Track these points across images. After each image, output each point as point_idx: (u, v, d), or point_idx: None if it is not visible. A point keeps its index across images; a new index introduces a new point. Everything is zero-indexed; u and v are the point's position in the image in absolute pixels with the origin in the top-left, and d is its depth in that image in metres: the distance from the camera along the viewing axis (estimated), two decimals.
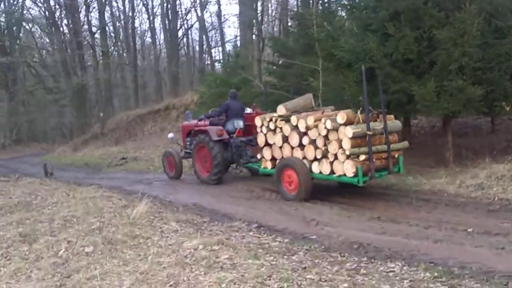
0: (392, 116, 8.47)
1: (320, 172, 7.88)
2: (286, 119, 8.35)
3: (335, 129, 7.55)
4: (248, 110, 11.06)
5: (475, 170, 8.36)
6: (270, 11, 30.51)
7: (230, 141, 10.18)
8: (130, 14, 34.96)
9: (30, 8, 37.29)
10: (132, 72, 32.67)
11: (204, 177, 10.38)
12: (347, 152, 7.38)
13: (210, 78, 19.49)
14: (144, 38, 40.82)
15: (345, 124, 7.49)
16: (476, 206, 6.86)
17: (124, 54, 35.16)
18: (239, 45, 27.60)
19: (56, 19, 32.88)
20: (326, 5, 15.41)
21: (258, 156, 9.15)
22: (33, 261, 5.03)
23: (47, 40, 38.25)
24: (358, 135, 7.42)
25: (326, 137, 7.70)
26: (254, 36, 27.14)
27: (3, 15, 34.26)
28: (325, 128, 7.62)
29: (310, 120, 7.86)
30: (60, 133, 37.60)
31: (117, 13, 35.38)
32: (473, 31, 7.92)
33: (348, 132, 7.35)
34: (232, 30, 66.52)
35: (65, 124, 35.95)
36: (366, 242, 5.31)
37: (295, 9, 23.30)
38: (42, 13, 34.87)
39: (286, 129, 8.29)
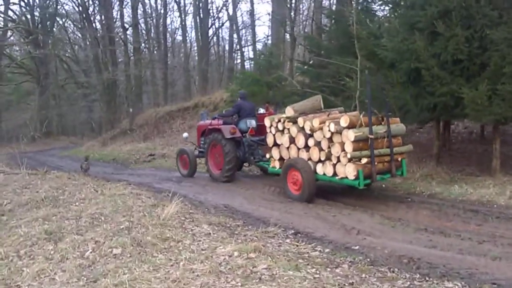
0: (397, 119, 8.44)
1: (324, 174, 7.99)
2: (294, 121, 8.49)
3: (339, 132, 7.63)
4: (261, 110, 11.16)
5: None
6: (303, 10, 30.00)
7: (243, 140, 10.40)
8: (162, 11, 35.00)
9: (64, 3, 37.72)
10: (162, 69, 32.58)
11: (216, 174, 10.56)
12: (349, 155, 7.48)
13: (241, 76, 19.15)
14: (175, 36, 40.89)
15: (348, 127, 7.52)
16: None
17: (155, 52, 35.15)
18: (270, 44, 27.21)
19: (90, 14, 33.04)
20: (365, 3, 14.81)
21: (267, 155, 9.32)
22: (58, 262, 4.75)
23: (80, 35, 38.64)
24: (360, 139, 7.47)
25: (330, 140, 7.80)
26: (286, 35, 26.75)
27: (38, 9, 34.68)
28: (329, 130, 7.73)
29: (316, 122, 7.99)
30: (89, 128, 37.96)
31: (149, 10, 35.43)
32: None
33: (350, 135, 7.43)
34: (263, 28, 66.14)
35: (94, 119, 36.23)
36: (416, 257, 4.85)
37: (330, 7, 22.76)
38: (76, 8, 35.19)
39: (293, 130, 8.45)
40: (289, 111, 8.64)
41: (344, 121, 7.56)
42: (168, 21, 37.47)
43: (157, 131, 24.96)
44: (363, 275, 4.34)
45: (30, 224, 6.07)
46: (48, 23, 35.76)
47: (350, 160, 7.50)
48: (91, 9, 33.80)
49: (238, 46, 36.24)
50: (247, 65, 34.48)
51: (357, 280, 4.18)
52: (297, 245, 5.35)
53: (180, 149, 12.57)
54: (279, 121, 8.78)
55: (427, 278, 4.26)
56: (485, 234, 5.77)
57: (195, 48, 38.77)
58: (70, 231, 5.69)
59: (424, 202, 7.59)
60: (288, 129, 8.58)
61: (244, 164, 11.05)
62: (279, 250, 5.11)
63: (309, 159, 8.20)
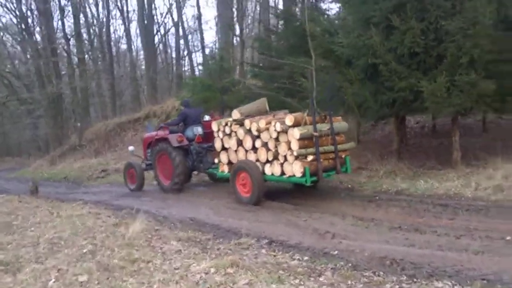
0: (339, 118, 8.75)
1: (272, 174, 8.13)
2: (240, 123, 8.63)
3: (285, 131, 7.82)
4: (207, 118, 11.19)
5: (488, 171, 7.90)
6: (249, 12, 29.90)
7: (190, 148, 10.37)
8: (105, 19, 33.99)
9: (0, 15, 35.97)
10: (109, 80, 31.60)
11: (166, 185, 10.47)
12: (295, 153, 7.66)
13: (192, 82, 18.81)
14: (119, 44, 39.86)
15: (293, 126, 7.73)
16: (500, 211, 6.36)
17: (99, 62, 34.09)
18: (219, 48, 26.96)
19: (29, 25, 31.57)
20: (314, 0, 14.82)
21: (216, 160, 9.38)
22: None
23: (19, 49, 36.93)
24: (305, 137, 7.70)
25: (276, 139, 7.97)
26: (235, 39, 26.56)
27: None
28: (275, 130, 7.92)
29: (262, 123, 8.15)
30: (36, 146, 36.28)
31: (92, 19, 34.32)
32: (485, 21, 7.43)
33: (295, 133, 7.63)
34: (211, 33, 65.55)
35: (40, 136, 34.61)
36: (398, 257, 4.73)
37: (276, 8, 22.73)
38: (14, 19, 33.60)
39: (240, 132, 8.60)
40: (236, 114, 8.79)
41: (289, 120, 7.78)
42: (111, 29, 36.46)
43: (108, 145, 24.12)
44: (349, 282, 4.17)
45: None
46: None
47: (296, 158, 7.68)
48: (30, 20, 32.33)
49: (186, 52, 35.79)
50: (196, 71, 34.04)
51: None
52: (274, 255, 5.12)
53: (126, 163, 12.31)
54: (226, 124, 8.90)
55: (414, 280, 4.13)
56: (460, 228, 5.76)
57: (141, 56, 38.04)
58: (28, 260, 5.21)
59: (392, 200, 7.57)
60: (235, 132, 8.71)
61: (194, 172, 10.98)
62: (257, 262, 4.86)
63: (257, 160, 8.32)
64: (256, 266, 4.67)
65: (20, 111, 36.57)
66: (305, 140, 7.73)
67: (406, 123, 13.13)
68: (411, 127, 13.58)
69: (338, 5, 12.89)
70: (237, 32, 24.58)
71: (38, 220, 7.47)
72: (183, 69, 37.48)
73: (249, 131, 8.43)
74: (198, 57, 39.22)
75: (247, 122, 8.42)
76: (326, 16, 13.78)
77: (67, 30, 31.94)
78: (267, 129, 8.09)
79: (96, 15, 34.51)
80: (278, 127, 7.84)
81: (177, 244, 5.69)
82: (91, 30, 33.54)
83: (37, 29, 32.31)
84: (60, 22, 31.79)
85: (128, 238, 5.74)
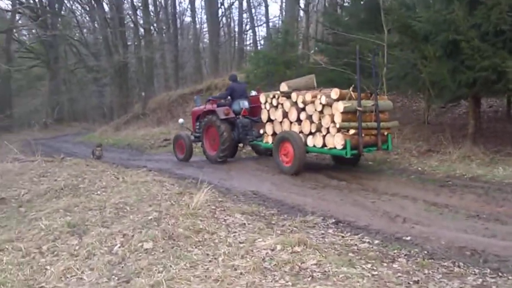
0: (385, 96, 9.13)
1: (314, 146, 8.44)
2: (287, 96, 8.96)
3: (329, 105, 8.09)
4: (253, 93, 11.43)
5: None
6: None
7: (237, 121, 10.68)
8: None
9: None
10: (173, 51, 31.94)
11: (212, 155, 10.83)
12: (338, 126, 7.93)
13: (258, 56, 18.55)
14: (183, 17, 40.16)
15: (338, 99, 8.00)
16: None
17: (164, 34, 34.50)
18: (282, 22, 26.50)
19: None
20: None
21: (261, 131, 9.78)
22: (84, 259, 4.30)
23: (88, 18, 38.04)
24: (348, 110, 7.95)
25: (321, 112, 8.25)
26: (300, 13, 26.01)
27: None
28: (320, 103, 8.19)
29: (308, 96, 8.44)
30: (101, 113, 37.52)
31: None
32: None
33: (339, 106, 7.88)
34: (275, 7, 64.61)
35: (105, 103, 35.72)
36: (480, 248, 4.36)
37: None
38: None
39: (287, 105, 8.92)
40: (284, 87, 9.15)
41: (334, 93, 8.07)
42: (177, 1, 36.73)
43: (170, 115, 24.51)
44: (426, 271, 3.87)
45: (51, 216, 5.63)
46: (56, 5, 35.14)
47: (338, 130, 7.96)
48: None
49: (249, 26, 35.55)
50: (259, 45, 33.77)
51: (422, 278, 3.71)
52: (342, 236, 4.88)
53: (176, 135, 12.70)
54: (274, 97, 9.24)
55: (499, 274, 3.78)
56: None
57: (205, 29, 38.17)
58: (94, 223, 5.26)
59: (467, 186, 7.07)
60: (282, 104, 9.04)
61: (239, 145, 11.29)
62: (325, 242, 4.65)
63: (301, 132, 8.63)
64: (324, 246, 4.46)
65: (87, 78, 37.84)
66: (348, 114, 7.98)
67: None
68: (484, 111, 12.75)
69: None
70: (303, 6, 24.07)
71: (104, 184, 7.59)
72: (244, 43, 37.34)
73: (295, 104, 8.75)
74: (260, 31, 38.86)
75: (293, 95, 8.75)
76: None
77: (135, 1, 32.48)
78: (313, 102, 8.37)
79: None
80: (324, 100, 8.12)
81: (241, 217, 5.57)
82: (157, 2, 33.91)
83: None
84: None
85: (193, 208, 5.66)
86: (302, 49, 20.87)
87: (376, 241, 4.73)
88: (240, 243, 4.59)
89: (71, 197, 6.68)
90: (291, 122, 8.88)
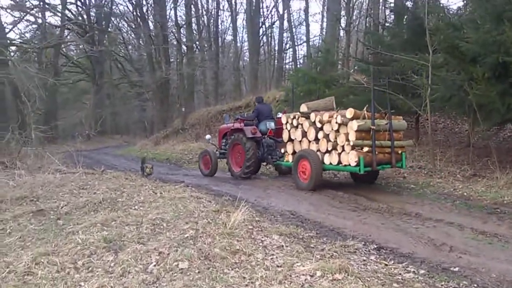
0: (400, 117, 9.63)
1: (330, 163, 8.98)
2: (307, 116, 9.59)
3: (345, 124, 8.66)
4: (280, 115, 11.68)
5: None
6: (357, 5, 28.98)
7: (262, 140, 11.19)
8: (214, 10, 34.88)
9: (118, 3, 38.26)
10: (214, 68, 32.37)
11: (236, 172, 11.37)
12: (352, 143, 8.46)
13: (298, 74, 18.48)
14: (225, 35, 40.74)
15: (353, 118, 8.53)
16: None
17: (205, 51, 35.03)
18: (323, 41, 26.42)
19: (144, 13, 33.24)
20: None
21: (282, 150, 10.42)
22: (119, 276, 4.21)
23: (133, 35, 39.09)
24: (362, 129, 8.47)
25: (337, 131, 8.82)
26: (340, 32, 25.86)
27: (93, 9, 35.26)
28: (336, 122, 8.77)
29: (325, 116, 9.05)
30: (142, 127, 38.27)
31: (201, 9, 35.37)
32: None
33: (353, 125, 8.42)
34: (315, 27, 65.02)
35: (146, 118, 36.46)
36: None
37: (389, 1, 21.63)
38: (130, 7, 35.59)
39: (306, 125, 9.59)
40: (303, 108, 9.78)
41: (349, 113, 8.62)
42: (219, 20, 37.34)
43: (209, 131, 24.63)
44: None
45: (88, 230, 5.62)
46: (103, 22, 36.31)
47: (353, 148, 8.49)
48: (144, 8, 34.04)
49: (289, 45, 35.67)
50: (299, 63, 33.75)
51: None
52: (386, 264, 4.64)
53: (203, 150, 13.58)
54: (294, 117, 9.92)
55: None
56: None
57: (245, 47, 38.56)
58: (131, 240, 5.20)
59: None
60: (301, 124, 9.71)
61: (262, 163, 11.76)
62: (367, 270, 4.43)
63: (318, 150, 9.22)
64: (367, 274, 4.24)
65: (130, 93, 38.79)
66: (362, 133, 8.52)
67: None
68: None
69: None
70: (344, 25, 23.92)
71: (142, 199, 7.58)
72: (284, 61, 37.45)
73: (313, 124, 9.35)
74: (300, 50, 38.88)
75: (312, 115, 9.36)
76: (446, 10, 12.73)
77: (179, 19, 33.20)
78: (329, 121, 8.96)
79: (205, 6, 35.50)
80: (339, 119, 8.69)
81: (278, 239, 5.41)
82: (201, 20, 34.54)
83: (150, 17, 33.94)
84: (172, 11, 33.10)
85: (230, 227, 5.55)
86: (342, 68, 20.69)
87: (422, 271, 4.47)
88: (278, 266, 4.43)
89: (109, 211, 6.68)
90: (309, 141, 9.46)
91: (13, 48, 24.55)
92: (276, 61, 37.02)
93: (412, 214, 6.93)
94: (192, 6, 32.31)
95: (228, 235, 5.29)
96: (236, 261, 4.57)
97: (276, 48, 37.67)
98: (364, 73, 16.11)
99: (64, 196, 7.83)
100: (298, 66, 32.06)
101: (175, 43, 33.29)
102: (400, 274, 4.38)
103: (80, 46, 36.44)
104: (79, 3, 36.77)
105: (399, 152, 9.02)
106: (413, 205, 7.56)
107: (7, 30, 24.97)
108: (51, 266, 4.51)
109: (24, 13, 25.35)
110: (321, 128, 9.15)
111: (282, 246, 5.15)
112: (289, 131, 10.04)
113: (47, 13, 30.04)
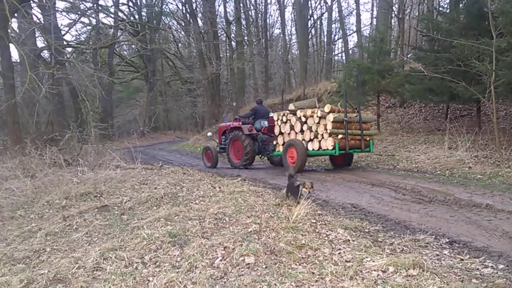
0: (368, 112, 12.73)
1: (313, 149, 11.12)
2: (294, 113, 11.74)
3: (324, 117, 10.90)
4: (271, 114, 13.56)
5: None
6: None
7: (258, 137, 13.13)
8: (263, 5, 34.77)
9: (169, 2, 38.87)
10: (263, 62, 32.32)
11: (236, 163, 13.32)
12: (329, 131, 10.72)
13: (351, 65, 18.12)
14: (273, 29, 40.60)
15: (330, 112, 10.88)
16: None
17: (254, 45, 35.02)
18: (375, 30, 25.76)
19: (193, 10, 33.60)
20: None
21: (274, 142, 12.38)
22: (187, 271, 4.19)
23: (183, 33, 39.65)
24: (337, 120, 10.80)
25: (318, 123, 11.01)
26: (394, 20, 25.12)
27: (145, 8, 36.00)
28: (317, 116, 11.02)
29: (308, 112, 11.26)
30: (193, 122, 38.82)
31: (248, 4, 35.35)
32: None
33: (330, 117, 10.75)
34: (366, 15, 63.64)
35: (198, 113, 36.96)
36: None
37: None
38: (180, 4, 36.08)
39: (293, 120, 11.72)
40: (291, 106, 12.18)
41: (327, 108, 11.05)
42: (267, 15, 37.19)
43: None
44: None
45: (152, 225, 5.67)
46: (154, 21, 37.03)
47: (330, 135, 10.73)
48: (194, 5, 34.41)
49: (338, 36, 35.12)
50: (351, 54, 33.11)
51: None
52: (461, 259, 4.39)
53: (205, 146, 15.53)
54: (284, 114, 12.07)
55: None
56: None
57: (293, 40, 38.27)
58: (195, 234, 5.19)
59: None
60: (289, 119, 11.83)
61: (258, 156, 13.67)
62: (442, 265, 4.20)
63: (303, 139, 11.33)
64: (442, 270, 4.02)
65: (182, 90, 39.42)
66: (337, 123, 10.81)
67: None
68: None
69: None
70: (396, 12, 23.15)
71: (201, 193, 7.61)
72: (333, 53, 36.90)
73: (299, 118, 11.46)
74: (349, 41, 38.17)
75: (298, 112, 11.52)
76: None
77: (228, 15, 33.34)
78: (312, 115, 11.13)
79: (254, 0, 35.46)
80: (319, 113, 10.97)
81: (344, 233, 5.25)
82: (249, 15, 34.54)
83: (199, 14, 34.28)
84: (221, 7, 33.30)
85: (293, 221, 5.44)
86: (396, 56, 20.07)
87: (501, 266, 4.19)
88: (347, 261, 4.28)
89: (171, 205, 6.73)
90: (296, 133, 11.58)
91: (69, 49, 25.41)
92: (325, 53, 36.55)
93: (482, 205, 6.58)
94: (240, 1, 32.33)
95: (292, 229, 5.19)
96: (302, 256, 4.46)
97: (325, 40, 37.19)
98: (421, 61, 15.57)
99: (127, 192, 7.97)
100: (349, 57, 31.47)
101: (224, 39, 33.47)
102: (477, 269, 4.12)
103: (133, 46, 37.39)
104: (130, 3, 37.74)
105: (368, 139, 11.29)
106: (482, 196, 7.20)
107: (63, 32, 25.90)
108: (119, 261, 4.55)
109: (79, 15, 26.19)
110: (305, 122, 11.26)
111: (349, 240, 4.99)
112: (279, 126, 12.05)
113: (101, 15, 30.90)
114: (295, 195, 6.45)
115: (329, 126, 10.62)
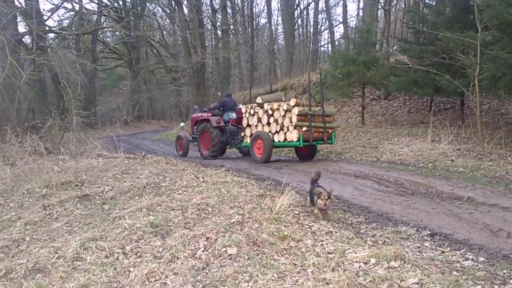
0: (331, 106, 13.68)
1: (279, 141, 11.56)
2: (261, 106, 12.14)
3: (289, 110, 11.31)
4: (240, 106, 13.94)
5: None
6: None
7: (226, 128, 13.50)
8: None
9: None
10: (249, 52, 32.16)
11: (205, 153, 13.67)
12: (293, 124, 11.16)
13: (336, 56, 18.09)
14: (259, 19, 40.39)
15: (295, 106, 11.27)
16: None
17: (240, 34, 34.82)
18: (361, 21, 25.79)
19: None
20: None
21: (242, 134, 12.84)
22: (168, 262, 4.16)
23: (168, 21, 39.24)
24: (302, 113, 11.22)
25: (283, 116, 11.45)
26: (380, 11, 25.15)
27: None
28: (283, 109, 11.41)
29: (275, 105, 11.66)
30: (178, 111, 38.56)
31: None
32: None
33: (295, 110, 11.17)
34: (352, 6, 63.62)
35: (182, 102, 36.69)
36: None
37: None
38: None
39: (260, 112, 12.16)
40: (259, 100, 12.43)
41: (292, 102, 11.39)
42: (253, 3, 36.93)
43: None
44: None
45: (134, 215, 5.61)
46: (139, 8, 36.52)
47: (295, 127, 11.15)
48: None
49: (324, 26, 35.06)
50: (336, 45, 33.13)
51: None
52: (442, 251, 4.42)
53: (178, 135, 15.85)
54: (251, 107, 12.46)
55: None
56: None
57: (279, 30, 38.15)
58: (177, 224, 5.15)
59: None
60: (257, 112, 12.26)
61: (227, 146, 13.96)
62: (423, 257, 4.23)
63: (270, 131, 11.80)
64: (423, 262, 4.04)
65: (166, 78, 39.07)
66: (302, 116, 11.21)
67: None
68: None
69: None
70: (383, 4, 23.19)
71: (185, 183, 7.56)
72: (319, 44, 36.86)
73: (266, 111, 11.90)
74: (335, 32, 38.17)
75: (265, 105, 11.92)
76: None
77: (213, 3, 33.03)
78: (278, 109, 11.55)
79: None
80: (285, 106, 11.33)
81: (326, 224, 5.26)
82: (235, 4, 34.27)
83: (185, 1, 33.88)
84: None
85: (276, 212, 5.43)
86: (382, 48, 20.11)
87: (481, 259, 4.24)
88: (329, 253, 4.28)
89: (153, 195, 6.67)
90: (263, 125, 12.04)
91: (52, 35, 24.95)
92: (311, 43, 36.49)
93: (463, 198, 6.64)
94: None
95: (275, 220, 5.18)
96: (285, 247, 4.45)
97: (311, 30, 37.13)
98: (406, 53, 15.61)
99: (108, 181, 7.88)
100: (335, 47, 31.48)
101: (210, 27, 33.20)
102: (458, 261, 4.16)
103: (117, 32, 36.87)
104: None
105: (330, 131, 11.85)
106: (464, 189, 7.26)
107: (45, 17, 25.40)
108: (99, 251, 4.50)
109: (62, 0, 25.69)
110: (272, 115, 11.71)
111: (331, 232, 5.00)
112: (247, 118, 12.50)
113: (84, 0, 30.39)
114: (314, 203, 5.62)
115: (294, 119, 11.04)
